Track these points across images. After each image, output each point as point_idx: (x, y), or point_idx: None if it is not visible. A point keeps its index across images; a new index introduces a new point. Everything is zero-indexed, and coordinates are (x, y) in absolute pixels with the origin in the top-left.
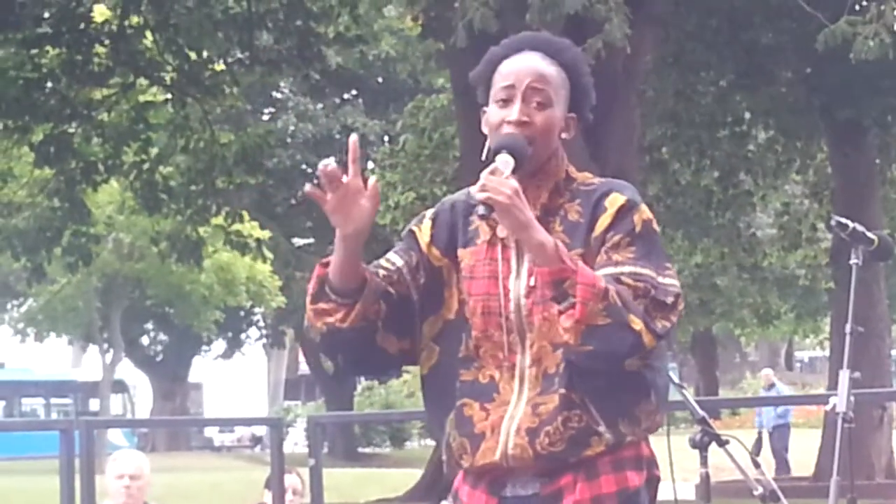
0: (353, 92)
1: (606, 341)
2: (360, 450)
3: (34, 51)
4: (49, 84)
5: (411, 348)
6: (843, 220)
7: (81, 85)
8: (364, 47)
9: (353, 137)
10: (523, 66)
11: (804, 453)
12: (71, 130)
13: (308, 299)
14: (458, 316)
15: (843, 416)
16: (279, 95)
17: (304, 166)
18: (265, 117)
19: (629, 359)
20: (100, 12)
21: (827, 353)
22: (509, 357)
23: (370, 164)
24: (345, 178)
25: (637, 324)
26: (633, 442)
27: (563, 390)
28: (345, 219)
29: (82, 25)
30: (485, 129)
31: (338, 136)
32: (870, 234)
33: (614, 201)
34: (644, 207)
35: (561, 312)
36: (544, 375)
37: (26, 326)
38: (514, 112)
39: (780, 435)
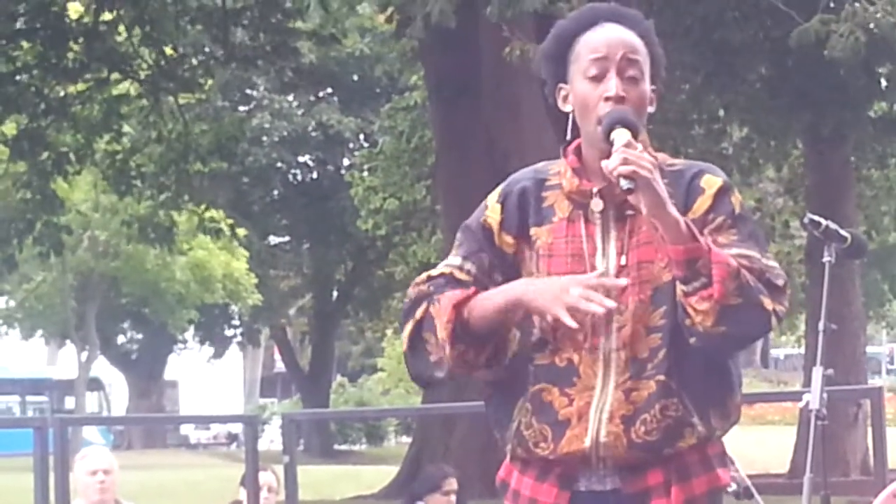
0: (329, 90)
1: (739, 323)
2: (336, 447)
3: (8, 45)
4: (24, 77)
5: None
6: (816, 218)
7: (56, 80)
8: (338, 45)
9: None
10: (613, 36)
11: (779, 450)
12: (45, 124)
13: (446, 342)
14: None
15: (817, 413)
16: (254, 94)
17: (279, 164)
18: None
19: (756, 340)
20: (74, 9)
21: (803, 350)
22: (591, 339)
23: (346, 161)
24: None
25: (769, 304)
26: (720, 437)
27: (661, 377)
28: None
29: (57, 22)
30: (563, 107)
31: (313, 134)
32: (843, 232)
33: (711, 182)
34: (736, 190)
35: (686, 294)
36: (634, 360)
37: (3, 324)
38: (612, 87)
39: None
